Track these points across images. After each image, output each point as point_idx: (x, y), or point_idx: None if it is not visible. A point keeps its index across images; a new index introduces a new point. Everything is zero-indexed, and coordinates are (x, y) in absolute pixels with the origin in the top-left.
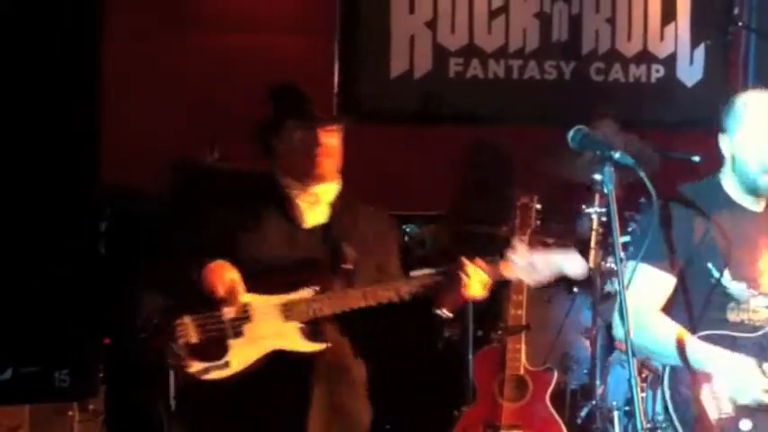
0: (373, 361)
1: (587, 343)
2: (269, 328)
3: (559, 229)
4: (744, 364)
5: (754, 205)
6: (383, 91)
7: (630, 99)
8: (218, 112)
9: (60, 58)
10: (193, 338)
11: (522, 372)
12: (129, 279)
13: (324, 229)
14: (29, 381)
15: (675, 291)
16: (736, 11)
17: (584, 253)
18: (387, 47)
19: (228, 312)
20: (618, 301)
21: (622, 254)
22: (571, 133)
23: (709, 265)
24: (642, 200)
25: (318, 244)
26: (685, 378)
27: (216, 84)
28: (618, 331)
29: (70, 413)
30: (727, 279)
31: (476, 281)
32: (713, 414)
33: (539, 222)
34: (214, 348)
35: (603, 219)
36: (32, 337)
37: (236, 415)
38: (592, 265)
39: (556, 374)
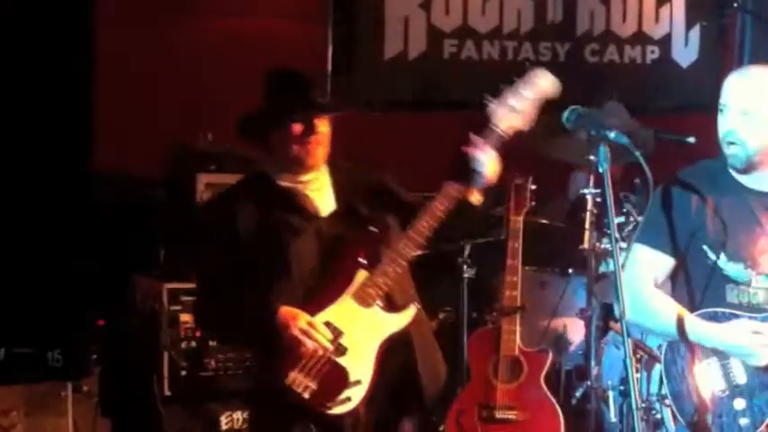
0: None
1: (582, 324)
2: (360, 327)
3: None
4: (746, 326)
5: (759, 184)
6: (377, 73)
7: (625, 80)
8: (212, 97)
9: (54, 42)
10: (313, 385)
11: (516, 353)
12: (125, 263)
13: (340, 210)
14: (22, 361)
15: (676, 274)
16: None
17: (579, 234)
18: (381, 28)
19: (318, 342)
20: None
21: (617, 234)
22: (566, 113)
23: (705, 246)
24: (637, 180)
25: (341, 225)
26: (681, 354)
27: (209, 68)
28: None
29: (63, 394)
30: (723, 260)
31: (487, 160)
32: (707, 392)
33: (533, 203)
34: (333, 378)
35: (598, 199)
36: (26, 318)
37: None
38: (586, 245)
39: (551, 355)
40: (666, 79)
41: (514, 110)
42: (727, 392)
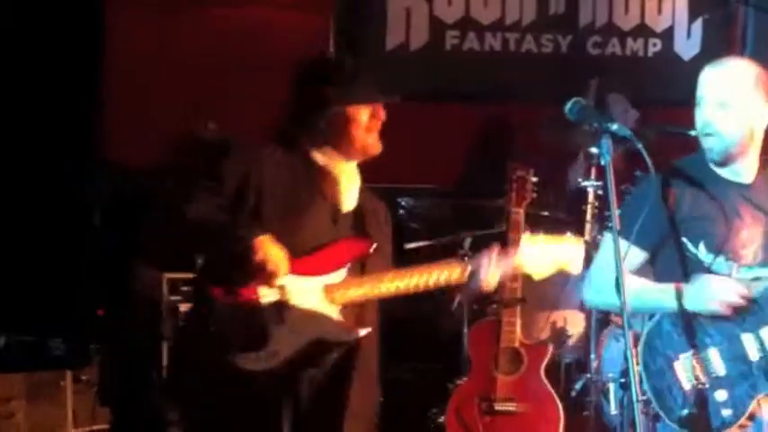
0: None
1: (582, 316)
2: (308, 313)
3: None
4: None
5: (739, 176)
6: (379, 64)
7: (627, 73)
8: (215, 86)
9: (64, 37)
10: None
11: (517, 345)
12: (126, 252)
13: (355, 214)
14: (23, 349)
15: (657, 266)
16: None
17: (580, 227)
18: (383, 20)
19: (265, 296)
20: (594, 266)
21: (620, 227)
22: (569, 105)
23: (685, 239)
24: (638, 172)
25: (350, 229)
26: (659, 351)
27: (211, 58)
28: (587, 294)
29: (62, 383)
30: (703, 253)
31: (494, 271)
32: (687, 385)
33: (535, 195)
34: (256, 335)
35: (600, 192)
36: (27, 306)
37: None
38: (587, 238)
39: (551, 348)
40: (668, 72)
41: (539, 258)
42: (707, 385)
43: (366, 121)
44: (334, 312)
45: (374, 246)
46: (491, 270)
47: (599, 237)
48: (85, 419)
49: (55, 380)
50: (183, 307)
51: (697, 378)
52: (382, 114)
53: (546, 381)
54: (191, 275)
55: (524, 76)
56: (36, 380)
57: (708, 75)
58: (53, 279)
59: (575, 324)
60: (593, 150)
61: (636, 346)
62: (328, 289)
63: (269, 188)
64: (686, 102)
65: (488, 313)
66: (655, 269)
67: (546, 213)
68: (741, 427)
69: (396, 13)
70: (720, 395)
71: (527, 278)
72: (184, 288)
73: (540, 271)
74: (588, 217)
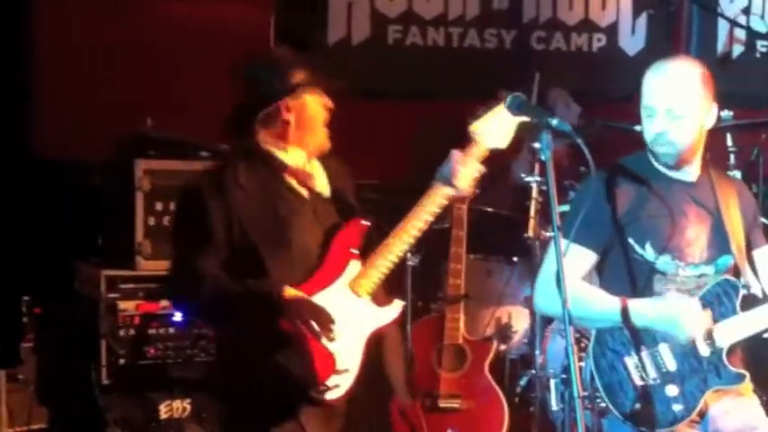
0: None
1: (527, 312)
2: (351, 317)
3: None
4: (687, 301)
5: (683, 175)
6: (320, 58)
7: (572, 68)
8: (152, 82)
9: None
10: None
11: (460, 341)
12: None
13: (333, 195)
14: None
15: (603, 267)
16: None
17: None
18: (324, 13)
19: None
20: (542, 271)
21: (560, 223)
22: (508, 99)
23: (631, 240)
24: (583, 168)
25: (334, 211)
26: (609, 347)
27: (151, 52)
28: (539, 300)
29: None
30: (649, 253)
31: (465, 174)
32: (638, 380)
33: (478, 191)
34: (321, 365)
35: (543, 188)
36: None
37: None
38: (531, 234)
39: (495, 344)
40: (613, 67)
41: (496, 130)
42: (658, 380)
43: (321, 112)
44: (367, 303)
45: (364, 222)
46: (462, 170)
47: (543, 232)
48: (22, 419)
49: None
50: (122, 305)
51: (648, 373)
52: (331, 105)
53: (490, 377)
54: (129, 272)
55: (468, 71)
56: None
57: (655, 83)
58: None
59: (519, 320)
60: (536, 145)
61: (580, 342)
62: (351, 286)
63: (246, 216)
64: (630, 97)
65: (432, 310)
66: (602, 273)
67: (490, 209)
68: (692, 422)
69: (337, 8)
70: (671, 390)
71: (471, 275)
72: (123, 285)
73: (506, 138)
74: (532, 213)
